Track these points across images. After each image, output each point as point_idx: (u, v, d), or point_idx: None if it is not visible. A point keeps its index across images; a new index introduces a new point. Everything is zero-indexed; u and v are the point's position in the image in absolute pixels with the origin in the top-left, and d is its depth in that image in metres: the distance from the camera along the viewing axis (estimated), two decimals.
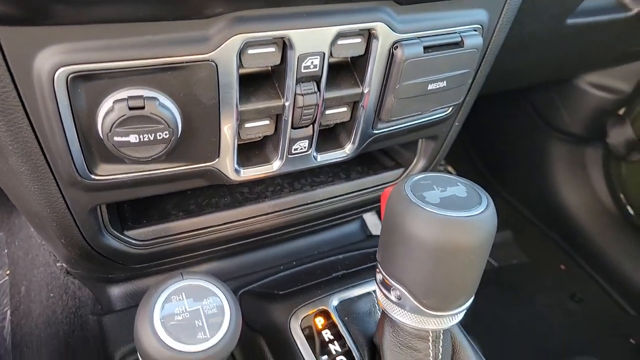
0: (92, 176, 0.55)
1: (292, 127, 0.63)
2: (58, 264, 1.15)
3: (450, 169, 2.28)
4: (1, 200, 1.65)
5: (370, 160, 0.87)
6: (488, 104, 2.03)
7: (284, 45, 0.55)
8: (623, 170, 1.89)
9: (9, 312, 1.60)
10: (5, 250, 1.67)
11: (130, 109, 0.49)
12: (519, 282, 1.97)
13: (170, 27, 0.48)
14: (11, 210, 1.62)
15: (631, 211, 1.91)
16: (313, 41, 0.55)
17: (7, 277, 1.62)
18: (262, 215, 0.78)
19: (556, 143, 1.95)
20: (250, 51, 0.53)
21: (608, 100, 1.74)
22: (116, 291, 0.93)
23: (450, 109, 0.73)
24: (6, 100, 0.46)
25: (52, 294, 1.25)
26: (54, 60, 0.45)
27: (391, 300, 0.60)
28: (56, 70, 0.46)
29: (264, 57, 0.54)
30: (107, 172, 0.55)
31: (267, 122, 0.61)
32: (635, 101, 1.73)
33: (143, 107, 0.49)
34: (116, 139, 0.50)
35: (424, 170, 0.86)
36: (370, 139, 0.70)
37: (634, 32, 1.16)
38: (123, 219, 0.71)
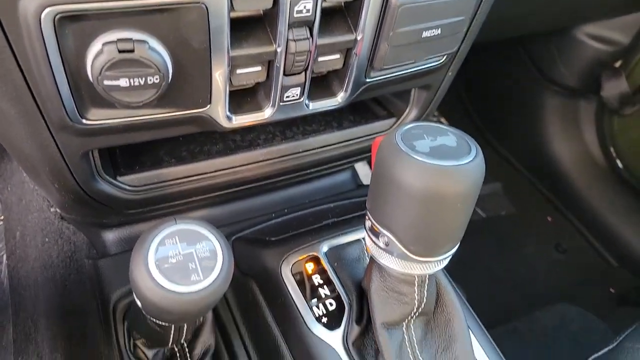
0: (83, 121, 0.54)
1: (284, 74, 0.62)
2: (52, 210, 1.15)
3: (442, 120, 2.28)
4: None
5: (362, 109, 0.87)
6: (484, 53, 2.01)
7: None
8: (615, 124, 1.89)
9: (5, 256, 1.62)
10: None
11: (120, 51, 0.48)
12: (506, 232, 2.01)
13: None
14: (2, 156, 1.61)
15: (620, 165, 1.93)
16: None
17: (1, 222, 1.63)
18: (254, 163, 0.78)
19: (550, 95, 1.94)
20: None
21: (605, 52, 1.72)
22: (111, 236, 0.94)
23: (445, 57, 0.72)
24: None
25: (47, 239, 1.26)
26: (39, 0, 0.44)
27: (379, 247, 0.61)
28: (42, 11, 0.45)
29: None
30: (98, 117, 0.55)
31: (258, 68, 0.61)
32: (632, 53, 1.72)
33: (133, 51, 0.48)
34: (106, 82, 0.49)
35: (416, 120, 0.86)
36: (363, 87, 0.69)
37: None
38: (115, 165, 0.71)
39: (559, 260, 1.95)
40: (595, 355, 0.95)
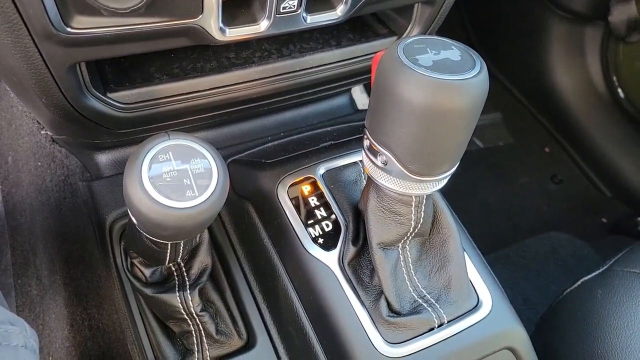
0: (68, 29, 0.52)
1: None
2: (42, 132, 1.13)
3: None
4: None
5: (362, 27, 0.83)
6: None
7: None
8: (620, 53, 1.85)
9: None
10: None
11: None
12: (503, 162, 2.03)
13: None
14: None
15: (622, 94, 1.91)
16: None
17: None
18: (249, 81, 0.76)
19: (556, 21, 1.89)
20: None
21: None
22: (104, 158, 0.93)
23: None
24: None
25: (39, 163, 1.25)
26: None
27: (377, 166, 0.60)
28: None
29: None
30: (83, 25, 0.52)
31: None
32: None
33: None
34: None
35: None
36: (363, 0, 0.66)
37: None
38: (105, 81, 0.69)
39: (554, 190, 1.97)
40: (585, 278, 0.97)
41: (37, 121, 1.09)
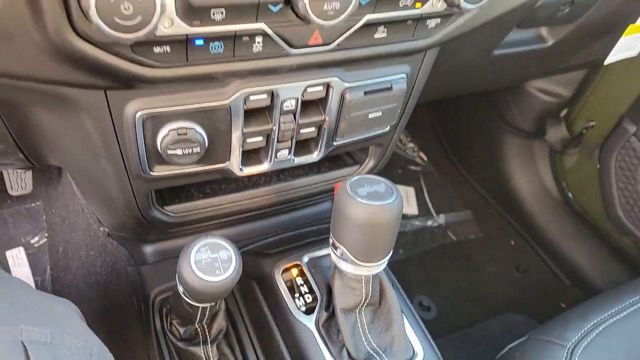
0: (151, 173, 0.87)
1: (277, 141, 0.94)
2: (101, 229, 1.46)
3: (422, 154, 2.61)
4: (39, 175, 1.96)
5: (335, 159, 1.19)
6: (456, 101, 2.34)
7: (272, 94, 0.86)
8: (565, 161, 2.17)
9: (48, 267, 1.92)
10: (44, 217, 1.97)
11: (178, 134, 0.81)
12: (473, 253, 2.29)
13: (204, 87, 0.80)
14: (48, 183, 1.91)
15: (571, 196, 2.20)
16: (291, 91, 0.86)
17: (45, 239, 1.93)
18: (257, 197, 1.10)
19: (510, 137, 2.24)
20: (252, 98, 0.84)
21: (551, 102, 2.03)
22: (149, 249, 1.25)
23: (388, 127, 1.05)
24: (107, 130, 0.79)
25: (91, 252, 1.54)
26: (135, 107, 0.77)
27: (338, 256, 0.86)
28: (136, 113, 0.77)
29: (259, 101, 0.85)
30: (160, 171, 0.87)
31: (260, 138, 0.92)
32: (574, 105, 2.04)
33: (186, 134, 0.81)
34: (169, 152, 0.82)
35: (375, 166, 1.19)
36: (331, 147, 1.02)
37: (551, 58, 1.47)
38: (163, 199, 1.04)
39: (518, 278, 2.22)
40: (511, 345, 1.24)
41: (99, 220, 1.43)
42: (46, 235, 1.89)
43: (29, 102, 0.78)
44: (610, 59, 1.33)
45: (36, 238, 1.86)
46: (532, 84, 2.01)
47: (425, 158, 2.60)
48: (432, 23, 0.81)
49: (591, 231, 2.12)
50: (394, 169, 2.52)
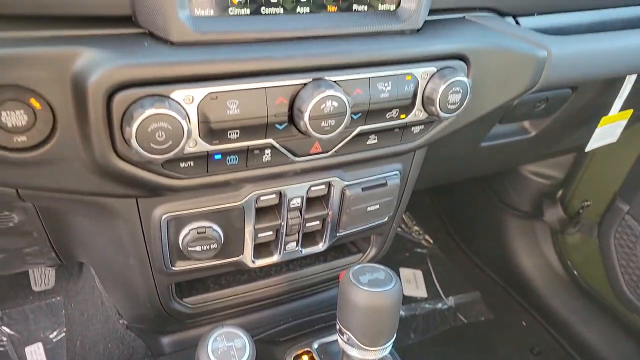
0: (173, 268, 0.97)
1: (286, 235, 1.04)
2: (120, 321, 1.54)
3: (427, 237, 2.68)
4: (61, 270, 2.06)
5: (340, 248, 1.29)
6: (457, 185, 2.45)
7: (280, 194, 0.98)
8: (567, 240, 2.23)
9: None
10: (63, 311, 2.04)
11: (198, 233, 0.92)
12: (485, 336, 2.25)
13: (220, 191, 0.91)
14: (69, 279, 2.00)
15: (578, 275, 2.24)
16: (296, 190, 0.97)
17: (64, 334, 1.99)
18: (268, 286, 1.19)
19: (511, 217, 2.32)
20: (262, 198, 0.95)
21: (546, 184, 2.15)
22: (166, 340, 1.32)
23: (386, 218, 1.15)
24: (136, 232, 0.90)
25: (109, 345, 1.61)
26: (162, 211, 0.88)
27: (345, 341, 0.93)
28: (162, 216, 0.89)
29: (269, 201, 0.96)
30: (181, 265, 0.98)
31: (270, 232, 1.03)
32: (568, 186, 2.15)
33: (204, 232, 0.92)
34: (189, 249, 0.92)
35: (377, 254, 1.28)
36: (335, 238, 1.12)
37: (537, 145, 1.60)
38: (181, 291, 1.13)
39: None
40: None
41: (118, 313, 1.51)
42: (64, 330, 1.95)
43: (69, 210, 0.89)
44: (591, 146, 1.45)
45: (55, 333, 1.91)
46: (526, 167, 2.13)
47: (431, 241, 2.67)
48: (416, 129, 0.93)
49: (601, 309, 2.11)
50: (401, 252, 2.58)
